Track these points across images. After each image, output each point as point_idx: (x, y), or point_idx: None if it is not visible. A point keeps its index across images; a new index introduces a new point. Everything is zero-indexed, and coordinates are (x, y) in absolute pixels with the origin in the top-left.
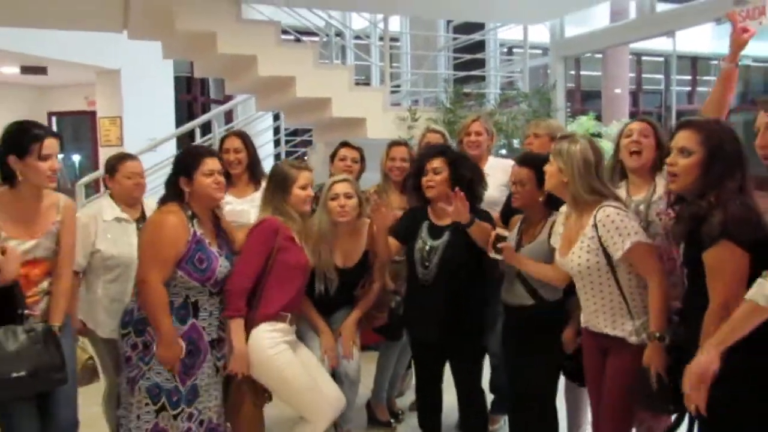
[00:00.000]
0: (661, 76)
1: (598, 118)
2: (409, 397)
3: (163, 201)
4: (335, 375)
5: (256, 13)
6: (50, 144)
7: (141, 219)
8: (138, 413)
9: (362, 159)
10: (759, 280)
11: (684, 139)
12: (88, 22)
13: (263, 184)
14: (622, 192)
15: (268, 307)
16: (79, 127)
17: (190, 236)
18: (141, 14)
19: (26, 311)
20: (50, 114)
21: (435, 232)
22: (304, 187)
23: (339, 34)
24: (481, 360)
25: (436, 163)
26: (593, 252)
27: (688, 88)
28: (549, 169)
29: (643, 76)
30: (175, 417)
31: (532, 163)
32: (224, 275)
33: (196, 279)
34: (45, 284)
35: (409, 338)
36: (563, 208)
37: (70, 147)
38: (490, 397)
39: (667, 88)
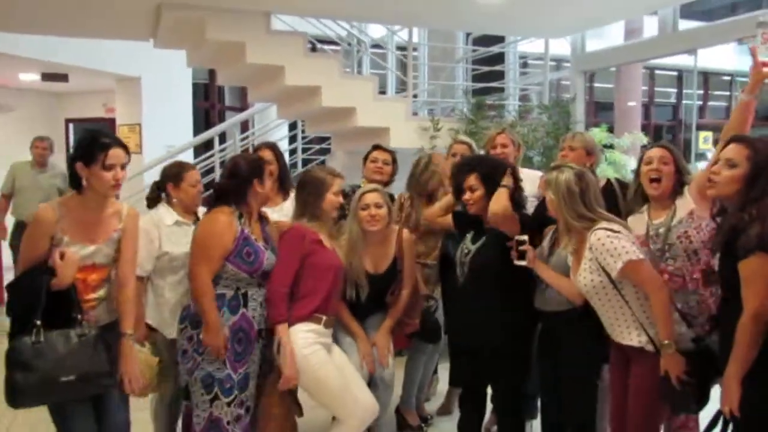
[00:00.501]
0: (673, 90)
1: (611, 129)
2: (435, 402)
3: (214, 203)
4: (370, 380)
5: (282, 24)
6: (115, 154)
7: (196, 221)
8: (196, 402)
9: (394, 161)
10: None
11: (732, 151)
12: (117, 31)
13: (291, 194)
14: (644, 216)
15: (302, 308)
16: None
17: (238, 233)
18: (172, 24)
19: (81, 316)
20: (68, 121)
21: (477, 237)
22: (337, 194)
23: (358, 42)
24: (522, 372)
25: (471, 180)
26: (595, 272)
27: (700, 103)
28: (548, 197)
29: (656, 89)
30: (228, 404)
31: None
32: (271, 266)
33: (245, 270)
34: (102, 291)
35: (449, 346)
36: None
37: None
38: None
39: (679, 102)
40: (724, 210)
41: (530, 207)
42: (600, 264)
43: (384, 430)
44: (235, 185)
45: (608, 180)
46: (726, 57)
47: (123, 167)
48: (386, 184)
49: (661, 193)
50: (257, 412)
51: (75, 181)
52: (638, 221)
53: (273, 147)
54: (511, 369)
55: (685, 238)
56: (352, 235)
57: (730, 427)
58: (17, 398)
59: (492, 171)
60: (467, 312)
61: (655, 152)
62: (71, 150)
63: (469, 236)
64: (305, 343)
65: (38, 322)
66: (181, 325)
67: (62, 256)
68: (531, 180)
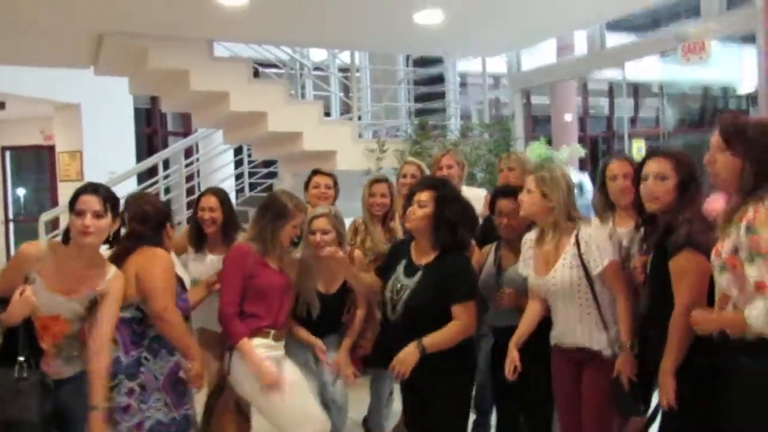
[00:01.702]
0: (605, 101)
1: (549, 142)
2: (392, 419)
3: (135, 246)
4: (323, 402)
5: (224, 50)
6: (84, 200)
7: None
8: None
9: (335, 184)
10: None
11: (658, 166)
12: (57, 59)
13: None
14: (608, 224)
15: (248, 326)
16: (28, 162)
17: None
18: (113, 52)
19: (30, 360)
20: (4, 148)
21: (410, 270)
22: (295, 227)
23: (300, 66)
24: (464, 404)
25: (424, 196)
26: (575, 268)
27: (631, 114)
28: (529, 197)
29: (590, 101)
30: None
31: (515, 194)
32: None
33: (181, 308)
34: (67, 348)
35: None
36: (530, 235)
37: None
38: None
39: (612, 114)
40: (652, 217)
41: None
42: (584, 259)
43: None
44: (148, 230)
45: None
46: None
47: (96, 215)
48: None
49: (632, 201)
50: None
51: (66, 233)
52: (602, 229)
53: (218, 193)
54: (447, 410)
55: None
56: (304, 256)
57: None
58: None
59: (452, 201)
60: (394, 350)
61: (617, 168)
62: (8, 179)
63: (401, 268)
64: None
65: None
66: (112, 382)
67: (21, 292)
68: (476, 199)
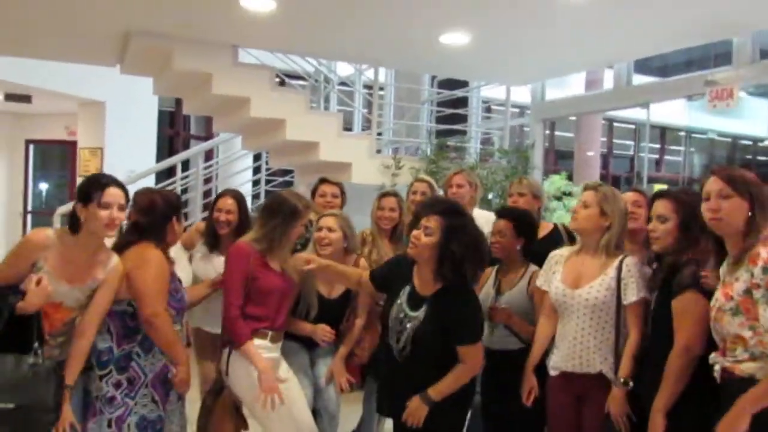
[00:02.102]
0: (631, 143)
1: (570, 177)
2: None
3: (136, 240)
4: (314, 411)
5: (250, 57)
6: (112, 193)
7: None
8: None
9: (342, 193)
10: None
11: (661, 208)
12: (83, 55)
13: None
14: None
15: (248, 326)
16: (51, 156)
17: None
18: (139, 51)
19: (40, 347)
20: (28, 142)
21: (415, 301)
22: (304, 225)
23: (325, 79)
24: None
25: (432, 222)
26: (611, 291)
27: (656, 156)
28: (585, 212)
29: (615, 141)
30: None
31: (510, 215)
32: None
33: (174, 308)
34: (61, 334)
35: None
36: (561, 251)
37: (39, 175)
38: None
39: (637, 155)
40: (659, 256)
41: None
42: (623, 285)
43: None
44: (152, 222)
45: (555, 225)
46: (680, 113)
47: (121, 208)
48: None
49: (636, 228)
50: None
51: (74, 222)
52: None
53: (236, 195)
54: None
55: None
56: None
57: None
58: None
59: (460, 232)
60: (398, 385)
61: (629, 196)
62: (29, 172)
63: (404, 296)
64: (243, 361)
65: None
66: (102, 371)
67: (38, 282)
68: (487, 221)
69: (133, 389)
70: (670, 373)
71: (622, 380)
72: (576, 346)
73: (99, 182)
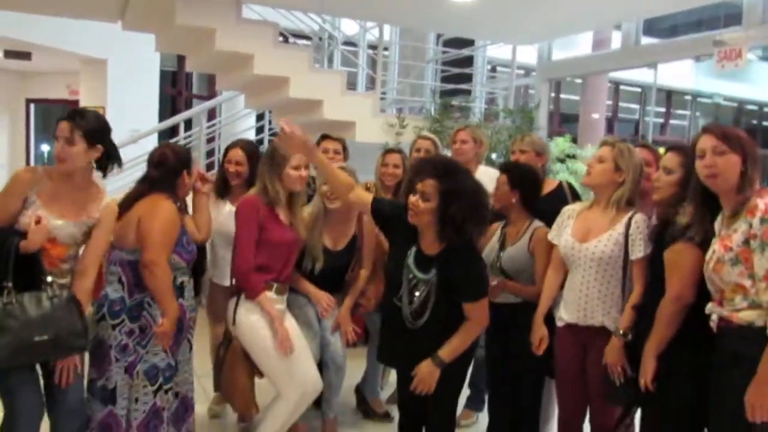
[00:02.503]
0: (636, 106)
1: (574, 140)
2: (387, 391)
3: (148, 191)
4: (321, 362)
5: (253, 14)
6: (59, 126)
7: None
8: (136, 396)
9: (344, 149)
10: None
11: (668, 160)
12: (84, 10)
13: None
14: None
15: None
16: (54, 116)
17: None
18: (141, 6)
19: (50, 278)
20: (29, 101)
21: (423, 262)
22: (296, 168)
23: (330, 38)
24: (458, 382)
25: (428, 187)
26: (618, 245)
27: (662, 120)
28: (600, 166)
29: (620, 104)
30: (166, 392)
31: (505, 168)
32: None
33: (185, 259)
34: (61, 275)
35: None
36: (573, 206)
37: (42, 136)
38: (467, 392)
39: (642, 118)
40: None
41: None
42: (631, 241)
43: (334, 411)
44: (163, 175)
45: (560, 182)
46: (687, 76)
47: (68, 141)
48: None
49: (644, 188)
50: (222, 382)
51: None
52: None
53: (246, 148)
54: (442, 387)
55: None
56: (314, 211)
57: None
58: None
59: (458, 194)
60: (407, 345)
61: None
62: (31, 131)
63: (411, 257)
64: (250, 310)
65: (9, 284)
66: (115, 320)
67: (38, 221)
68: (490, 178)
69: (145, 338)
70: (660, 319)
71: (621, 332)
72: (581, 298)
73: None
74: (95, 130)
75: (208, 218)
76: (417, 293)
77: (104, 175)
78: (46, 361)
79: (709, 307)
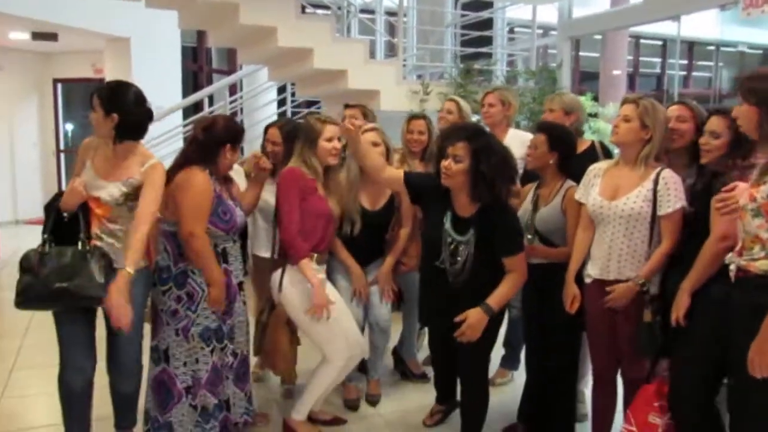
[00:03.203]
0: (658, 60)
1: (596, 98)
2: (423, 353)
3: (186, 162)
4: (366, 323)
5: None
6: (92, 101)
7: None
8: (196, 357)
9: (365, 115)
10: None
11: (714, 124)
12: None
13: None
14: None
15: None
16: (79, 94)
17: (214, 192)
18: None
19: (87, 239)
20: (56, 81)
21: (460, 225)
22: (329, 140)
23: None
24: (491, 339)
25: (459, 150)
26: (647, 202)
27: (684, 73)
28: (626, 125)
29: (641, 59)
30: (222, 349)
31: (545, 128)
32: (243, 223)
33: (222, 229)
34: (108, 236)
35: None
36: (600, 164)
37: (68, 115)
38: (501, 351)
39: (664, 72)
40: (702, 167)
41: (519, 168)
42: (659, 197)
43: (379, 372)
44: (206, 143)
45: (592, 142)
46: (710, 26)
47: (93, 110)
48: None
49: (681, 146)
50: (265, 347)
51: None
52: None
53: (282, 127)
54: (479, 350)
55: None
56: (350, 172)
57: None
58: (19, 300)
59: (487, 151)
60: (446, 300)
61: (673, 110)
62: (59, 111)
63: (448, 221)
64: (299, 277)
65: (46, 236)
66: (164, 287)
67: (74, 184)
68: (521, 141)
69: (193, 303)
70: (703, 257)
71: (641, 282)
72: (610, 254)
73: None
74: (108, 98)
75: (256, 196)
76: (459, 256)
77: (118, 142)
78: (71, 307)
79: (729, 257)
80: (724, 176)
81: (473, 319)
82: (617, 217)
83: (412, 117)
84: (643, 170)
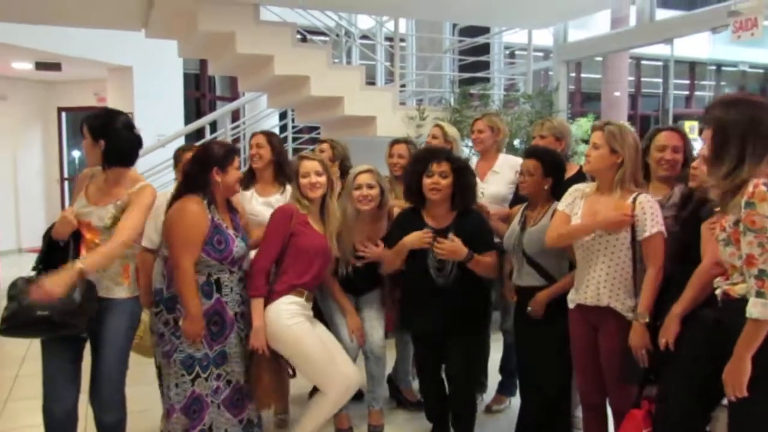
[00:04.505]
0: (659, 80)
1: (597, 119)
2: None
3: (183, 192)
4: (362, 353)
5: (270, 14)
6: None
7: None
8: (176, 382)
9: (332, 149)
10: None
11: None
12: (108, 20)
13: (288, 188)
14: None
15: (284, 283)
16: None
17: (209, 221)
18: (163, 14)
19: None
20: (60, 109)
21: (439, 235)
22: (305, 176)
23: (346, 33)
24: (482, 347)
25: (444, 167)
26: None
27: (686, 92)
28: (596, 152)
29: (642, 79)
30: (206, 379)
31: (537, 155)
32: (240, 255)
33: (215, 258)
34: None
35: (413, 335)
36: (580, 186)
37: (73, 143)
38: (498, 378)
39: (665, 92)
40: (690, 195)
41: (509, 192)
42: (637, 221)
43: (380, 402)
44: (192, 171)
45: (580, 167)
46: (711, 47)
47: (83, 138)
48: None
49: (670, 176)
50: (250, 380)
51: None
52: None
53: (266, 133)
54: (472, 341)
55: (671, 218)
56: (346, 213)
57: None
58: (3, 327)
59: (465, 167)
60: (429, 303)
61: (666, 140)
62: (63, 139)
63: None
64: (289, 314)
65: (40, 266)
66: (155, 309)
67: (65, 214)
68: (510, 166)
69: (179, 329)
70: (695, 282)
71: (640, 315)
72: (589, 280)
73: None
74: (95, 126)
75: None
76: (446, 263)
77: (107, 167)
78: (53, 335)
79: (717, 281)
80: (711, 202)
81: (454, 247)
82: (597, 245)
83: (394, 142)
84: (620, 195)
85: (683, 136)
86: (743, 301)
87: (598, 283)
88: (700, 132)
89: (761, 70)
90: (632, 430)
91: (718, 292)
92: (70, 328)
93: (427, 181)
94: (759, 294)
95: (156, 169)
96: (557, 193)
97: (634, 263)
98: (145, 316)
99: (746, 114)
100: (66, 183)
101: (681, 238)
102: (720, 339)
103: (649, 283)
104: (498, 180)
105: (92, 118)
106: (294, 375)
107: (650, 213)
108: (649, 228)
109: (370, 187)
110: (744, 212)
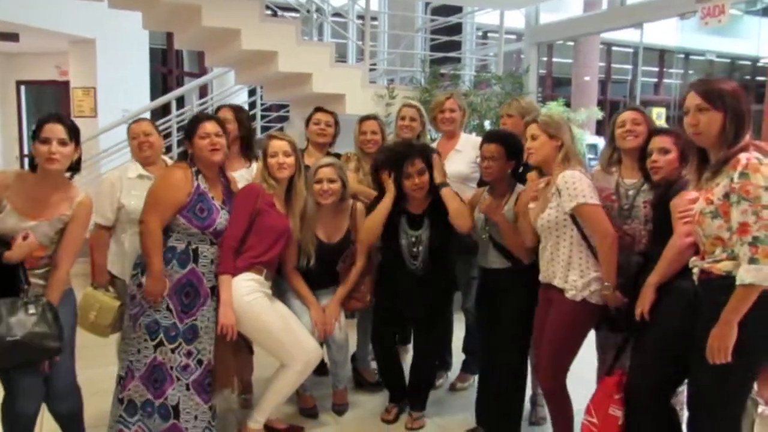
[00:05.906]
0: (629, 67)
1: (568, 104)
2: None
3: (178, 159)
4: (323, 341)
5: None
6: (50, 128)
7: None
8: (138, 347)
9: (336, 123)
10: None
11: (661, 141)
12: None
13: (254, 164)
14: (614, 176)
15: (245, 260)
16: (44, 97)
17: (193, 189)
18: None
19: (27, 286)
20: (19, 83)
21: (414, 222)
22: (273, 155)
23: (318, 10)
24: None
25: (419, 164)
26: (555, 208)
27: (655, 80)
28: (536, 143)
29: (612, 65)
30: (172, 350)
31: (499, 138)
32: (224, 227)
33: (196, 226)
34: (40, 270)
35: (377, 309)
36: (541, 182)
37: (32, 118)
38: (462, 357)
39: (634, 78)
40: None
41: (472, 171)
42: (560, 194)
43: (343, 382)
44: (182, 143)
45: None
46: (680, 35)
47: (62, 143)
48: (330, 145)
49: (637, 146)
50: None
51: (32, 160)
52: (608, 181)
53: (234, 108)
54: (439, 320)
55: (648, 204)
56: (307, 206)
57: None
58: None
59: (430, 162)
60: (416, 289)
61: (627, 115)
62: (23, 113)
63: (403, 221)
64: (247, 290)
65: None
66: (133, 272)
67: (26, 236)
68: (473, 145)
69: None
70: (668, 252)
71: (606, 284)
72: (545, 260)
73: (40, 120)
74: (77, 131)
75: None
76: (420, 245)
77: (71, 177)
78: (27, 362)
79: (693, 260)
80: (677, 183)
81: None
82: (543, 228)
83: (364, 118)
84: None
85: (643, 113)
86: (728, 278)
87: (548, 262)
88: (667, 118)
89: (728, 60)
90: (604, 396)
91: (695, 271)
92: (48, 352)
93: (407, 183)
94: (752, 260)
95: (120, 145)
96: (518, 175)
97: (571, 241)
98: (102, 295)
99: (737, 94)
100: (26, 160)
101: (654, 219)
102: (696, 311)
103: (604, 254)
104: (460, 159)
105: (71, 122)
106: (252, 352)
107: (566, 189)
108: (568, 204)
109: (331, 181)
110: (737, 183)
